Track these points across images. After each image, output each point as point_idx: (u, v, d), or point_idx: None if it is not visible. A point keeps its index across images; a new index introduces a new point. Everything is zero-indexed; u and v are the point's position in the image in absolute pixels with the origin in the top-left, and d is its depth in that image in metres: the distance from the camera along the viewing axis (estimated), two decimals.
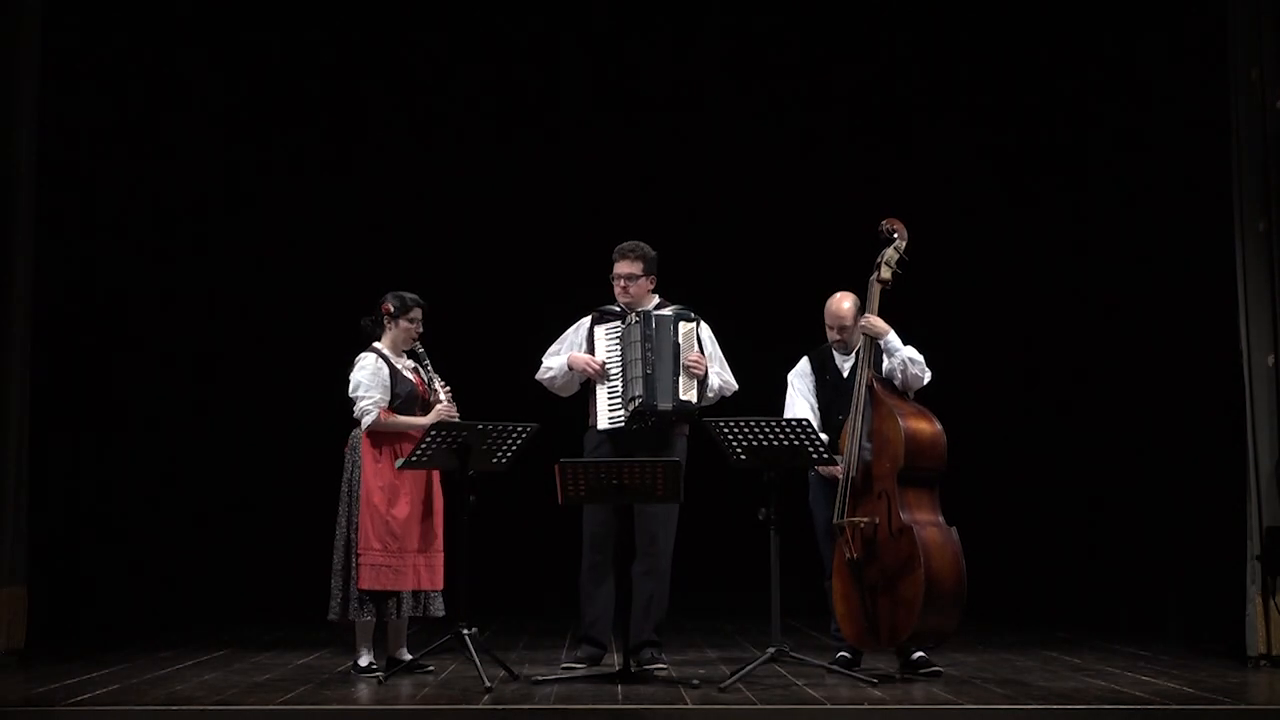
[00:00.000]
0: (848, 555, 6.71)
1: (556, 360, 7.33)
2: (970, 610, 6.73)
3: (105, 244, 9.76)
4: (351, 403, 6.98)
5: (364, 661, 6.93)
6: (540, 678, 6.66)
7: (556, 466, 6.60)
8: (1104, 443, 9.83)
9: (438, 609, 7.01)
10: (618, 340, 7.19)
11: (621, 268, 7.23)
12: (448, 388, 7.08)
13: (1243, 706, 6.03)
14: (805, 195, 10.44)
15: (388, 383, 6.99)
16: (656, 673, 6.89)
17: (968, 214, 10.32)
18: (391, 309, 7.08)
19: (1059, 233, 10.27)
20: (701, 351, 7.20)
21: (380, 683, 6.64)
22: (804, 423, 6.56)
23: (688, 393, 7.10)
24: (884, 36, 10.43)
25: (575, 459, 6.73)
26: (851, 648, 6.96)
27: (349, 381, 7.01)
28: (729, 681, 6.38)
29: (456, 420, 6.94)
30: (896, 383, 6.93)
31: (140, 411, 10.11)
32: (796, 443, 6.51)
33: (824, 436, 6.73)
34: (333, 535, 6.98)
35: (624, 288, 7.23)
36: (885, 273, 6.94)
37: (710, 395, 7.23)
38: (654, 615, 7.13)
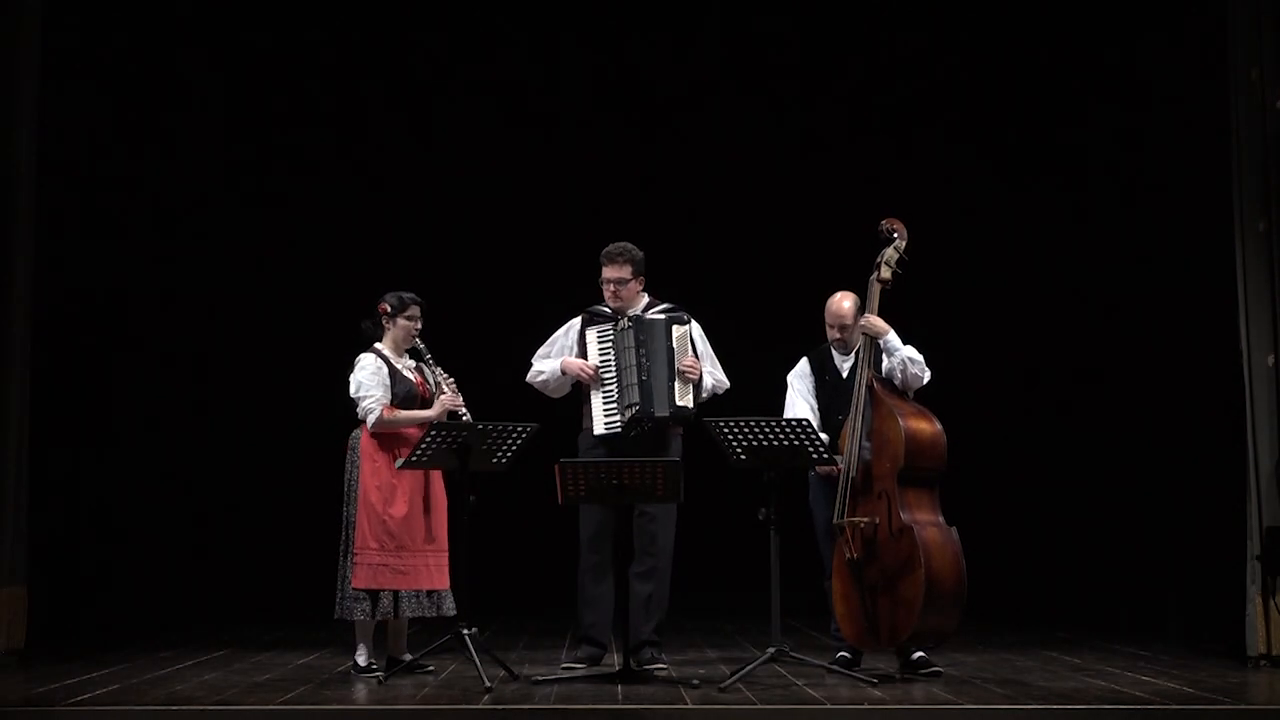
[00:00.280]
0: (848, 555, 6.71)
1: (548, 364, 7.31)
2: (970, 610, 6.73)
3: (105, 244, 9.75)
4: (353, 404, 6.98)
5: (364, 661, 6.93)
6: (540, 678, 6.66)
7: (556, 466, 6.60)
8: (1104, 442, 9.83)
9: (448, 608, 7.01)
10: (610, 343, 7.18)
11: (610, 272, 7.21)
12: (451, 379, 7.08)
13: (1243, 706, 6.03)
14: (805, 195, 10.44)
15: (388, 382, 6.99)
16: (656, 673, 6.89)
17: (968, 214, 10.32)
18: (389, 308, 7.09)
19: (1059, 233, 10.26)
20: (695, 354, 7.19)
21: (380, 683, 6.64)
22: (804, 423, 6.56)
23: (684, 398, 7.10)
24: (884, 36, 10.43)
25: (575, 459, 6.73)
26: (851, 648, 6.96)
27: (349, 383, 7.01)
28: (729, 681, 6.38)
29: (462, 410, 6.95)
30: (896, 382, 6.93)
31: (140, 411, 10.12)
32: (796, 443, 6.50)
33: (824, 436, 6.73)
34: (331, 535, 6.99)
35: (614, 292, 7.21)
36: (885, 272, 6.94)
37: (703, 395, 7.23)
38: (654, 615, 7.13)
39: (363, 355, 7.07)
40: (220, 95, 10.32)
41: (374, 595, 6.85)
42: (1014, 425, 10.22)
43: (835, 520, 6.78)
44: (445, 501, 7.08)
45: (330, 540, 7.02)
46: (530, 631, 8.94)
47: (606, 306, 7.30)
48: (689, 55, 10.58)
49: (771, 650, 6.51)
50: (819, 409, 7.13)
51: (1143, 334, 9.39)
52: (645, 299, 7.31)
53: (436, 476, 7.07)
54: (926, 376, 6.96)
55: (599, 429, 7.13)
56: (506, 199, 10.53)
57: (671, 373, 7.08)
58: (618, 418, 7.08)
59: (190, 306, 10.33)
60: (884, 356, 6.92)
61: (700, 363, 7.19)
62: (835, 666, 6.83)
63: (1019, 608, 9.67)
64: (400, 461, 6.83)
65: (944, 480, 6.81)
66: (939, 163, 10.42)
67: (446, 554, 7.04)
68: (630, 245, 7.26)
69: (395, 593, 6.87)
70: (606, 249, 7.26)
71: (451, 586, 7.02)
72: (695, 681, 6.49)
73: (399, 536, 6.88)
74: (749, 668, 6.51)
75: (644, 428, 7.04)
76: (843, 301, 7.12)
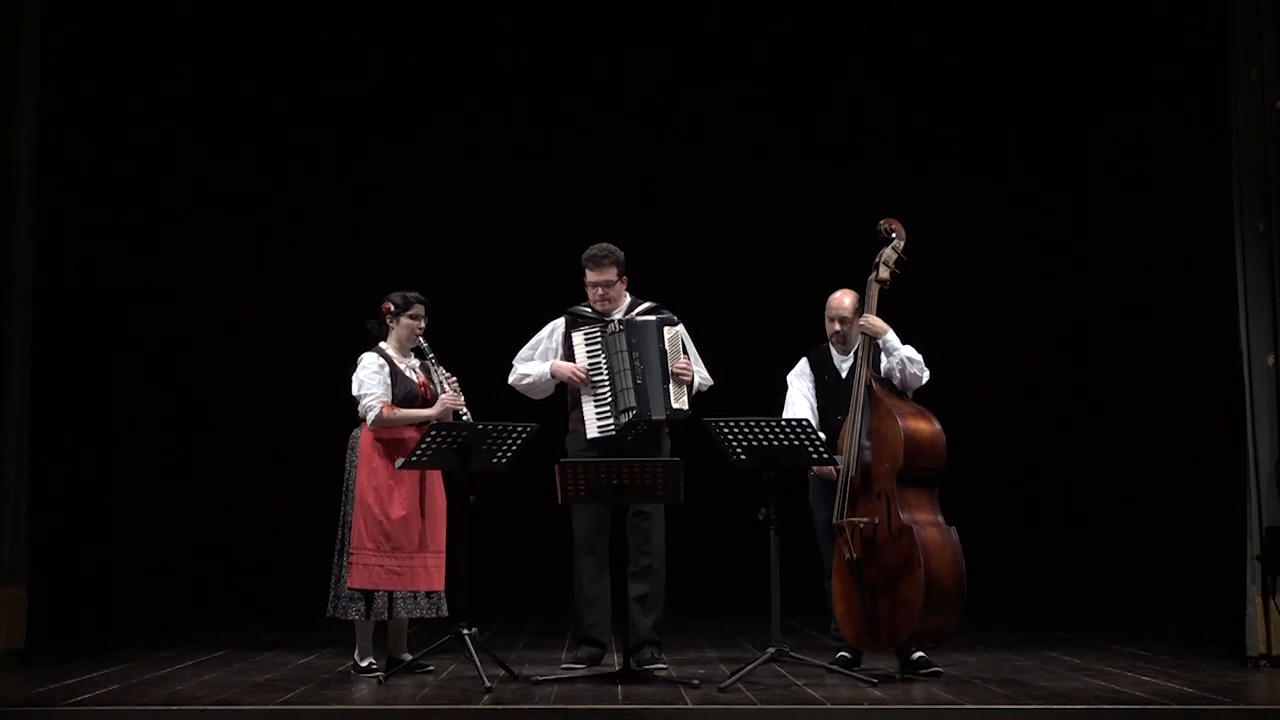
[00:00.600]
0: (847, 555, 6.71)
1: (533, 366, 7.28)
2: (970, 610, 6.73)
3: (105, 244, 9.76)
4: (354, 403, 6.99)
5: (364, 661, 6.93)
6: (540, 678, 6.66)
7: (556, 467, 6.60)
8: (1104, 442, 9.83)
9: (440, 610, 7.01)
10: (597, 346, 7.16)
11: (598, 275, 7.20)
12: (453, 379, 7.08)
13: (1243, 706, 6.03)
14: (805, 195, 10.44)
15: (389, 381, 6.99)
16: (656, 673, 6.89)
17: (967, 214, 10.32)
18: (393, 307, 7.09)
19: (1059, 232, 10.27)
20: (686, 355, 7.19)
21: (380, 683, 6.64)
22: (804, 423, 6.56)
23: (679, 400, 7.10)
24: (884, 36, 10.43)
25: (575, 459, 6.73)
26: (851, 648, 6.96)
27: (351, 382, 7.01)
28: (729, 681, 6.38)
29: (463, 410, 6.95)
30: (895, 382, 6.94)
31: (140, 412, 10.13)
32: (796, 443, 6.50)
33: (823, 436, 6.73)
34: (332, 536, 7.00)
35: (602, 295, 7.20)
36: (884, 272, 6.94)
37: (691, 394, 7.24)
38: (652, 614, 7.13)
39: (365, 354, 7.07)
40: (220, 95, 10.32)
41: (368, 595, 6.86)
42: (1013, 425, 10.23)
43: (835, 520, 6.78)
44: (444, 503, 7.08)
45: (331, 540, 7.01)
46: (530, 631, 8.94)
47: (588, 308, 7.29)
48: (689, 55, 10.57)
49: (771, 650, 6.51)
50: (818, 409, 7.13)
51: (1143, 334, 9.39)
52: (628, 299, 7.31)
53: (436, 477, 7.07)
54: (925, 376, 6.96)
55: (592, 432, 7.11)
56: (506, 199, 10.53)
57: (666, 375, 7.08)
58: (611, 421, 7.07)
59: (190, 306, 10.34)
60: (883, 356, 6.93)
61: (691, 364, 7.20)
62: (835, 666, 6.83)
63: (1019, 608, 9.67)
64: (401, 461, 6.83)
65: (943, 480, 6.81)
66: (938, 163, 10.42)
67: (442, 555, 7.03)
68: (612, 246, 7.24)
69: (390, 593, 6.87)
70: (590, 253, 7.23)
71: (451, 586, 7.02)
72: (695, 681, 6.49)
73: (395, 538, 6.88)
74: (749, 668, 6.51)
75: (639, 431, 7.04)
76: (844, 298, 7.13)
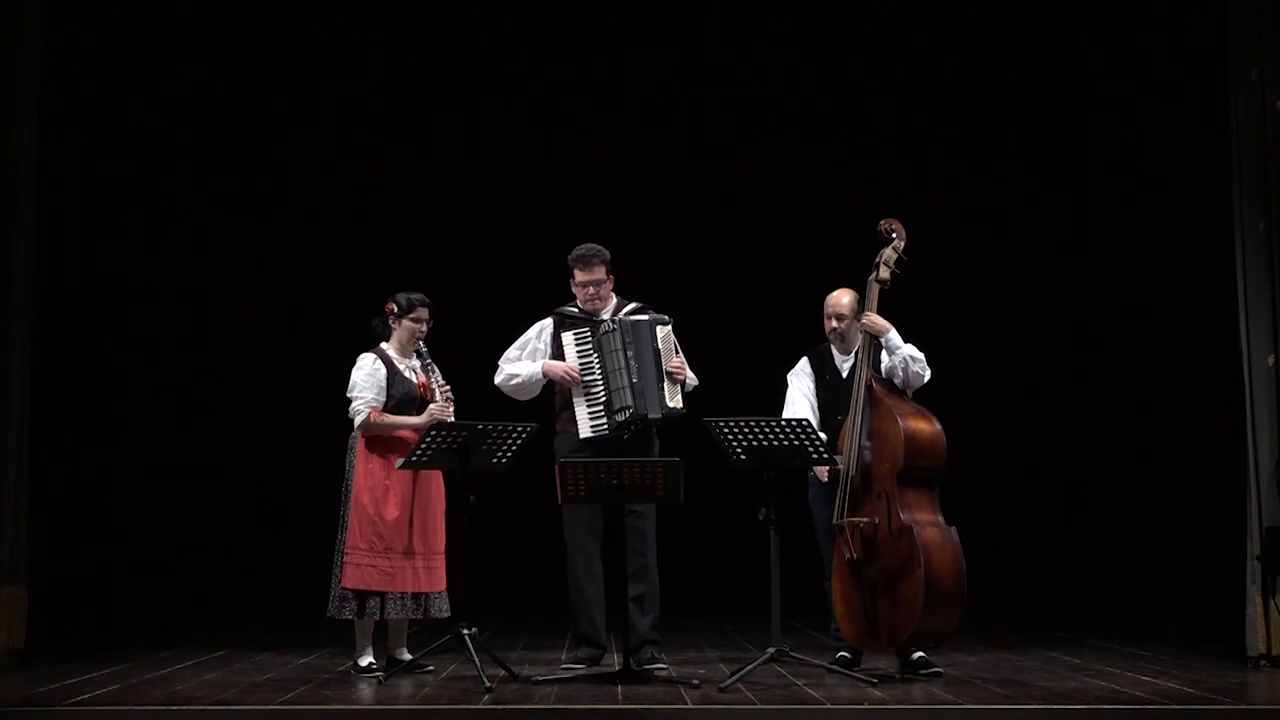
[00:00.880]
0: (847, 555, 6.71)
1: (522, 366, 7.26)
2: (970, 610, 6.73)
3: (105, 244, 9.76)
4: (349, 402, 7.00)
5: (364, 661, 6.93)
6: (540, 678, 6.66)
7: (557, 467, 6.60)
8: (1104, 442, 9.83)
9: (439, 610, 7.00)
10: (588, 346, 7.15)
11: (589, 275, 7.19)
12: (446, 388, 7.07)
13: (1243, 706, 6.03)
14: (805, 195, 10.45)
15: (383, 383, 6.99)
16: (656, 673, 6.89)
17: (967, 214, 10.32)
18: (396, 308, 7.09)
19: (1059, 232, 10.27)
20: (678, 354, 7.19)
21: (380, 683, 6.64)
22: (804, 423, 6.56)
23: (674, 399, 7.11)
24: (883, 36, 10.43)
25: (575, 459, 6.73)
26: (851, 648, 6.96)
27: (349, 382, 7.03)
28: (729, 681, 6.38)
29: (452, 421, 6.94)
30: (897, 381, 6.94)
31: (140, 412, 10.12)
32: (796, 443, 6.50)
33: (823, 436, 6.73)
34: (332, 536, 7.00)
35: (594, 294, 7.20)
36: (884, 272, 6.94)
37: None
38: (651, 614, 7.13)
39: (363, 355, 7.07)
40: (220, 95, 10.32)
41: (361, 596, 6.86)
42: (1013, 425, 10.23)
43: (835, 520, 6.78)
44: (443, 505, 7.08)
45: (331, 540, 7.01)
46: (530, 631, 8.95)
47: (574, 308, 7.28)
48: (688, 55, 10.58)
49: (771, 650, 6.51)
50: (818, 408, 7.13)
51: (1143, 334, 9.39)
52: (614, 299, 7.31)
53: (435, 478, 7.07)
54: (927, 375, 6.96)
55: (585, 432, 7.10)
56: (506, 199, 10.53)
57: (660, 374, 7.08)
58: (604, 421, 7.06)
59: (191, 306, 10.34)
60: (884, 355, 6.93)
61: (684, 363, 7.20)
62: (835, 666, 6.83)
63: (1019, 608, 9.67)
64: (401, 461, 6.83)
65: (944, 480, 6.81)
66: (939, 162, 10.42)
67: (441, 556, 7.03)
68: (599, 246, 7.24)
69: (382, 594, 6.86)
70: (579, 253, 7.23)
71: (451, 586, 7.02)
72: (695, 681, 6.49)
73: (388, 539, 6.88)
74: (749, 668, 6.51)
75: (635, 430, 7.04)
76: (841, 296, 7.13)
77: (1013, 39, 10.23)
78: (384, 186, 10.58)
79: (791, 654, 6.61)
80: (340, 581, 6.86)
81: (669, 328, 7.20)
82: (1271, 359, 7.52)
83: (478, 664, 6.45)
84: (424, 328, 7.09)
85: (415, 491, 6.96)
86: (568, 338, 7.21)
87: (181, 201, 10.30)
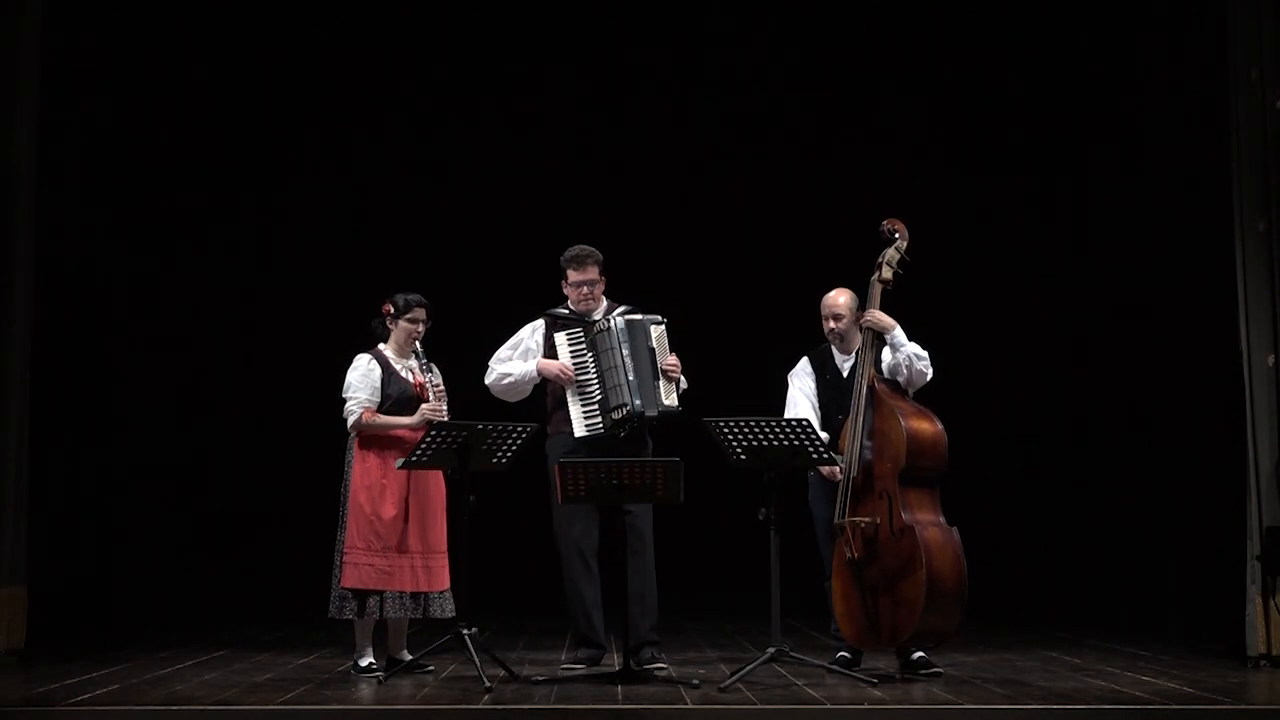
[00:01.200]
0: (848, 555, 6.70)
1: (515, 365, 7.24)
2: (970, 610, 6.73)
3: (105, 244, 9.75)
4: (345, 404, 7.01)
5: (364, 661, 6.94)
6: (540, 678, 6.66)
7: (556, 467, 6.60)
8: (1104, 442, 9.83)
9: (440, 610, 6.99)
10: (581, 346, 7.14)
11: (583, 275, 7.20)
12: (440, 388, 7.07)
13: (1243, 706, 6.03)
14: (805, 195, 10.45)
15: (377, 384, 6.99)
16: (656, 673, 6.89)
17: (967, 213, 10.32)
18: (393, 309, 7.10)
19: (1059, 233, 10.26)
20: (672, 353, 7.18)
21: (380, 683, 6.64)
22: (804, 423, 6.55)
23: (669, 397, 7.11)
24: (884, 36, 10.43)
25: (576, 459, 6.72)
26: (851, 648, 6.96)
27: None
28: (729, 681, 6.38)
29: (444, 420, 6.93)
30: (901, 379, 6.94)
31: (140, 412, 10.12)
32: (796, 443, 6.50)
33: (824, 435, 6.73)
34: (332, 536, 7.00)
35: (587, 295, 7.20)
36: (886, 272, 6.95)
37: None
38: (651, 614, 7.13)
39: (359, 356, 7.08)
40: (220, 94, 10.32)
41: (360, 595, 6.86)
42: (1014, 425, 10.23)
43: (836, 520, 6.78)
44: (444, 503, 7.07)
45: (331, 540, 7.02)
46: (530, 631, 8.94)
47: (566, 310, 7.28)
48: (686, 56, 10.58)
49: (771, 650, 6.51)
50: (819, 408, 7.13)
51: (1143, 334, 9.39)
52: (605, 301, 7.31)
53: (436, 478, 7.06)
54: (930, 374, 6.96)
55: (580, 431, 7.10)
56: (506, 199, 10.53)
57: (655, 372, 7.08)
58: (599, 420, 7.06)
59: (191, 306, 10.34)
60: (887, 352, 6.92)
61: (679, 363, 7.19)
62: (835, 666, 6.82)
63: (1019, 608, 9.67)
64: (401, 461, 6.83)
65: (945, 480, 6.81)
66: (939, 162, 10.42)
67: (443, 556, 7.03)
68: (592, 247, 7.24)
69: (381, 594, 6.87)
70: (572, 253, 7.24)
71: (452, 586, 7.02)
72: (695, 681, 6.49)
73: (386, 538, 6.88)
74: (749, 668, 6.51)
75: (631, 428, 7.04)
76: (838, 296, 7.13)
77: (1013, 39, 10.23)
78: (385, 187, 10.58)
79: (791, 654, 6.61)
80: (340, 581, 6.86)
81: (662, 327, 7.20)
82: (1271, 359, 7.52)
83: (478, 664, 6.45)
84: (421, 328, 7.09)
85: (413, 490, 6.96)
86: (561, 338, 7.20)
87: (181, 201, 10.29)
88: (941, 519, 6.71)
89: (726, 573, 9.71)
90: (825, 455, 6.60)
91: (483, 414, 6.93)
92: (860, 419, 6.79)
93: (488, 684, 6.31)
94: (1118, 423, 9.68)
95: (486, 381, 7.30)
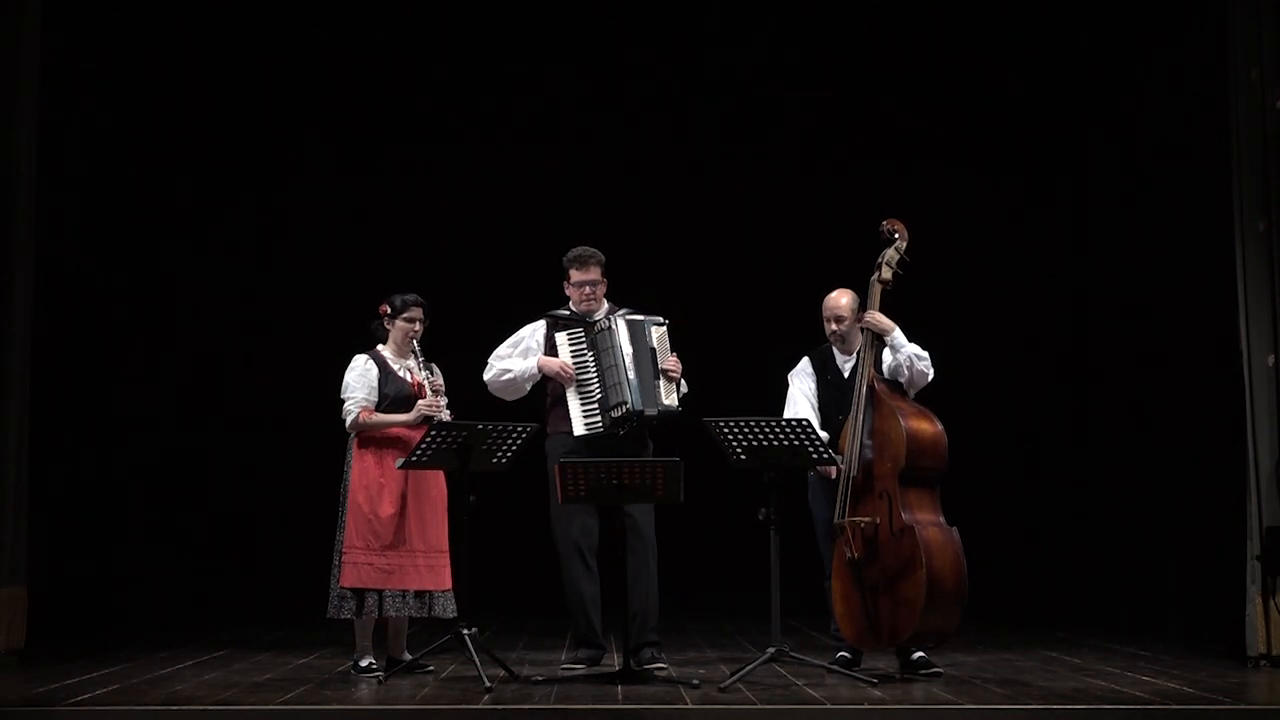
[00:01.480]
0: (848, 555, 6.71)
1: (515, 362, 7.24)
2: (970, 610, 6.73)
3: (105, 244, 9.75)
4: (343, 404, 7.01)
5: (364, 661, 6.94)
6: (540, 678, 6.66)
7: (556, 467, 6.60)
8: (1104, 442, 9.83)
9: (443, 610, 6.99)
10: (582, 346, 7.14)
11: (586, 275, 7.20)
12: (436, 381, 7.07)
13: (1243, 706, 6.03)
14: (805, 195, 10.44)
15: (374, 384, 7.00)
16: (656, 673, 6.88)
17: (967, 214, 10.32)
18: (389, 309, 7.10)
19: (1059, 233, 10.26)
20: (673, 354, 7.18)
21: (380, 683, 6.64)
22: (804, 423, 6.55)
23: (669, 397, 7.10)
24: (884, 36, 10.43)
25: (576, 459, 6.72)
26: (851, 648, 6.96)
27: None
28: (729, 681, 6.38)
29: (439, 414, 6.94)
30: (902, 380, 6.94)
31: (140, 411, 10.12)
32: (796, 443, 6.50)
33: (824, 435, 6.73)
34: (332, 536, 7.01)
35: (589, 295, 7.21)
36: (886, 273, 6.95)
37: None
38: (651, 612, 7.13)
39: (356, 356, 7.09)
40: (220, 95, 10.32)
41: (359, 594, 6.86)
42: (1014, 425, 10.23)
43: (836, 520, 6.78)
44: (444, 502, 7.07)
45: (331, 540, 7.02)
46: (530, 631, 8.94)
47: (567, 311, 7.28)
48: (686, 58, 10.58)
49: (771, 650, 6.51)
50: (819, 408, 7.12)
51: (1143, 334, 9.39)
52: (606, 303, 7.31)
53: (436, 477, 7.06)
54: (931, 374, 6.96)
55: (579, 429, 7.09)
56: (506, 199, 10.53)
57: (656, 372, 7.08)
58: (599, 417, 7.06)
59: (191, 306, 10.34)
60: (888, 354, 6.92)
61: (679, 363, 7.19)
62: (835, 666, 6.83)
63: (1019, 608, 9.67)
64: (401, 461, 6.83)
65: (945, 480, 6.81)
66: (939, 163, 10.41)
67: (444, 555, 7.03)
68: (594, 248, 7.25)
69: (380, 593, 6.87)
70: (575, 254, 7.24)
71: (452, 586, 7.02)
72: (695, 681, 6.49)
73: (384, 537, 6.88)
74: (749, 668, 6.51)
75: (630, 427, 7.04)
76: (839, 298, 7.13)
77: (1013, 39, 10.23)
78: (386, 187, 10.57)
79: (791, 654, 6.61)
80: (339, 581, 6.86)
81: (664, 328, 7.20)
82: (1271, 359, 7.52)
83: (478, 664, 6.45)
84: (418, 327, 7.09)
85: (412, 489, 6.96)
86: (561, 338, 7.20)
87: (181, 201, 10.30)
88: (941, 519, 6.71)
89: (726, 573, 9.71)
90: (825, 455, 6.60)
91: (483, 414, 6.93)
92: (860, 419, 6.80)
93: (488, 684, 6.31)
94: (1118, 423, 9.68)
95: (485, 377, 7.30)
